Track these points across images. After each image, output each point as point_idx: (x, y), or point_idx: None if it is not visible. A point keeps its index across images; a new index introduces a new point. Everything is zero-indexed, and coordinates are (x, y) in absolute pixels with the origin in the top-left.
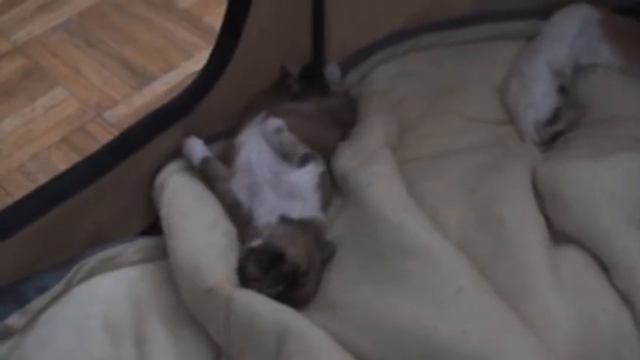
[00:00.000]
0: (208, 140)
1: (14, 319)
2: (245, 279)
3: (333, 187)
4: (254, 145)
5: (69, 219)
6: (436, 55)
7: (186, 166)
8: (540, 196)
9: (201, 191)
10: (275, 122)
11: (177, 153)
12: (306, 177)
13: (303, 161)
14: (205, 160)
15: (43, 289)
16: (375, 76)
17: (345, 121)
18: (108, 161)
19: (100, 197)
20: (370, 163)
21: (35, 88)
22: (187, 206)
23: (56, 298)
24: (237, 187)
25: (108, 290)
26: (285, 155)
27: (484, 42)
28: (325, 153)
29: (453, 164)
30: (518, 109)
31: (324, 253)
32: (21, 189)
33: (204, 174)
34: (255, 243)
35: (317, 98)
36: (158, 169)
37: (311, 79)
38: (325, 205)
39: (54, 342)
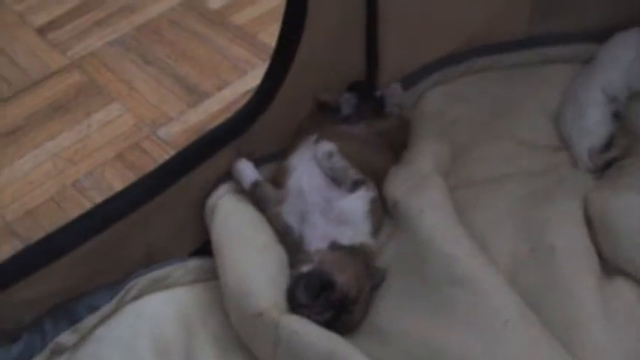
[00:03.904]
0: (259, 162)
1: (66, 337)
2: (294, 305)
3: (384, 211)
4: (305, 170)
5: (121, 239)
6: (490, 78)
7: (238, 188)
8: (592, 226)
9: (252, 214)
10: (326, 146)
11: (228, 174)
12: (357, 203)
13: (354, 186)
14: (256, 184)
15: (94, 308)
16: (429, 99)
17: (398, 143)
18: (160, 183)
19: (152, 218)
20: (421, 189)
21: (91, 103)
22: (238, 229)
23: (107, 317)
24: (288, 212)
25: (158, 310)
26: (336, 180)
27: (538, 65)
28: (377, 176)
29: (505, 191)
30: (571, 135)
31: (373, 279)
32: (74, 205)
33: (254, 198)
34: (306, 269)
35: (369, 120)
36: (210, 190)
37: (363, 96)
38: (376, 230)
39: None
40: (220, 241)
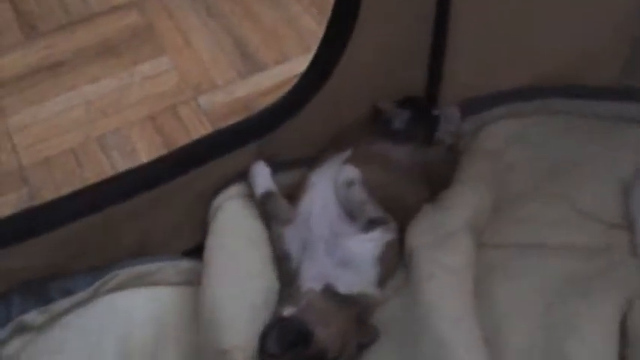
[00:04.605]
0: (285, 166)
1: (32, 316)
2: (263, 351)
3: (400, 259)
4: (321, 192)
5: (116, 223)
6: (563, 125)
7: (251, 191)
8: (625, 339)
9: (255, 227)
10: (349, 172)
11: (244, 174)
12: (368, 246)
13: (370, 226)
14: (267, 195)
15: (68, 292)
16: (490, 132)
17: (440, 179)
18: (170, 170)
19: (153, 207)
20: (442, 246)
21: (141, 50)
22: (234, 242)
23: (80, 304)
24: (291, 236)
25: (134, 309)
26: (350, 213)
27: (622, 123)
28: (404, 214)
29: (541, 265)
30: (637, 215)
31: (362, 337)
32: (92, 162)
33: (263, 209)
34: (287, 312)
35: (417, 145)
36: (221, 187)
37: (418, 114)
38: (384, 279)
39: (65, 349)
40: (212, 250)
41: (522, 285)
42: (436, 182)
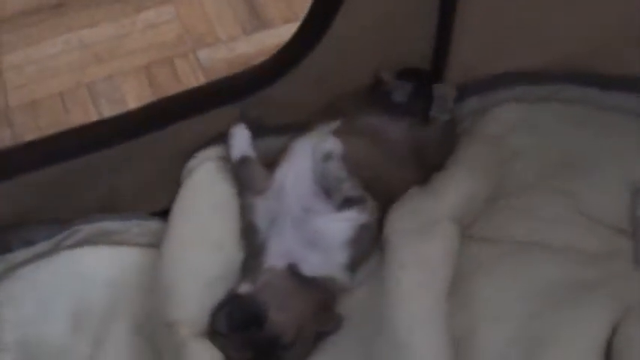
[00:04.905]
0: (271, 131)
1: None
2: (212, 329)
3: (376, 242)
4: (298, 164)
5: (85, 175)
6: (575, 114)
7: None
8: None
9: (226, 195)
10: (328, 145)
11: (226, 136)
12: (339, 226)
13: (345, 205)
14: (242, 161)
15: (28, 243)
16: (496, 115)
17: (435, 160)
18: (148, 122)
19: (126, 160)
20: (420, 234)
21: None
22: (201, 209)
23: (39, 256)
24: (261, 208)
25: (93, 268)
26: (326, 189)
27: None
28: (389, 196)
29: (533, 266)
30: None
31: (323, 325)
32: (78, 108)
33: (237, 176)
34: (243, 289)
35: (414, 121)
36: (200, 147)
37: (420, 88)
38: (356, 264)
39: (19, 301)
40: (177, 213)
41: (508, 286)
42: (431, 164)
